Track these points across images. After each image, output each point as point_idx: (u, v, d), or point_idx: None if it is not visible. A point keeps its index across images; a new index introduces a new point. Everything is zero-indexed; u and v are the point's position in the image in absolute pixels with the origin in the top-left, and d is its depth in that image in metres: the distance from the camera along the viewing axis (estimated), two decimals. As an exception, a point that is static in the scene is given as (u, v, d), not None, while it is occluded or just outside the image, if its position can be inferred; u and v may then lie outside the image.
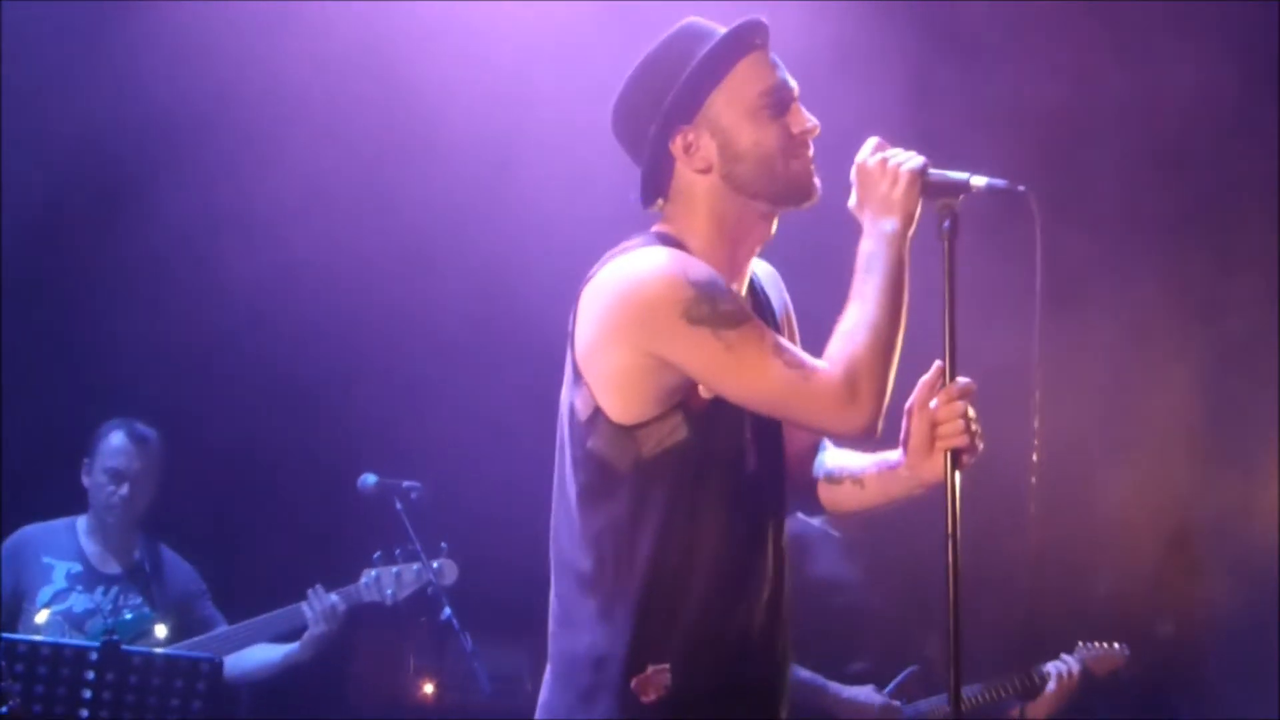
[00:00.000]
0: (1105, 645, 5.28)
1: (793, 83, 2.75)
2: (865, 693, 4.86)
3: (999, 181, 2.69)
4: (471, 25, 5.41)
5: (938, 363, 2.67)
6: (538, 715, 2.74)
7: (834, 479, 2.89)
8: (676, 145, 2.72)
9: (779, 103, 2.72)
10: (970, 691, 4.99)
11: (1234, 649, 5.74)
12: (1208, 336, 5.86)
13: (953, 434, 2.64)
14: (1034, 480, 2.72)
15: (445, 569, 5.16)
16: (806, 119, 2.74)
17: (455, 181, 5.67)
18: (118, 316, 5.82)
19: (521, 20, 5.39)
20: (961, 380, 2.66)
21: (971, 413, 2.66)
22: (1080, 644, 5.27)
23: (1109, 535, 5.92)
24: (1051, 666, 5.12)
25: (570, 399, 2.70)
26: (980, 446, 2.67)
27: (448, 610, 4.97)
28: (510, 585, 5.53)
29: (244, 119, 5.60)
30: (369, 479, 5.18)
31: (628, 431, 2.63)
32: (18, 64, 5.45)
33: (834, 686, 4.84)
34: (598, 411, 2.64)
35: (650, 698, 2.61)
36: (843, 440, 2.83)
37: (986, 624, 5.40)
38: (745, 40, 2.72)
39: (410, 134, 5.64)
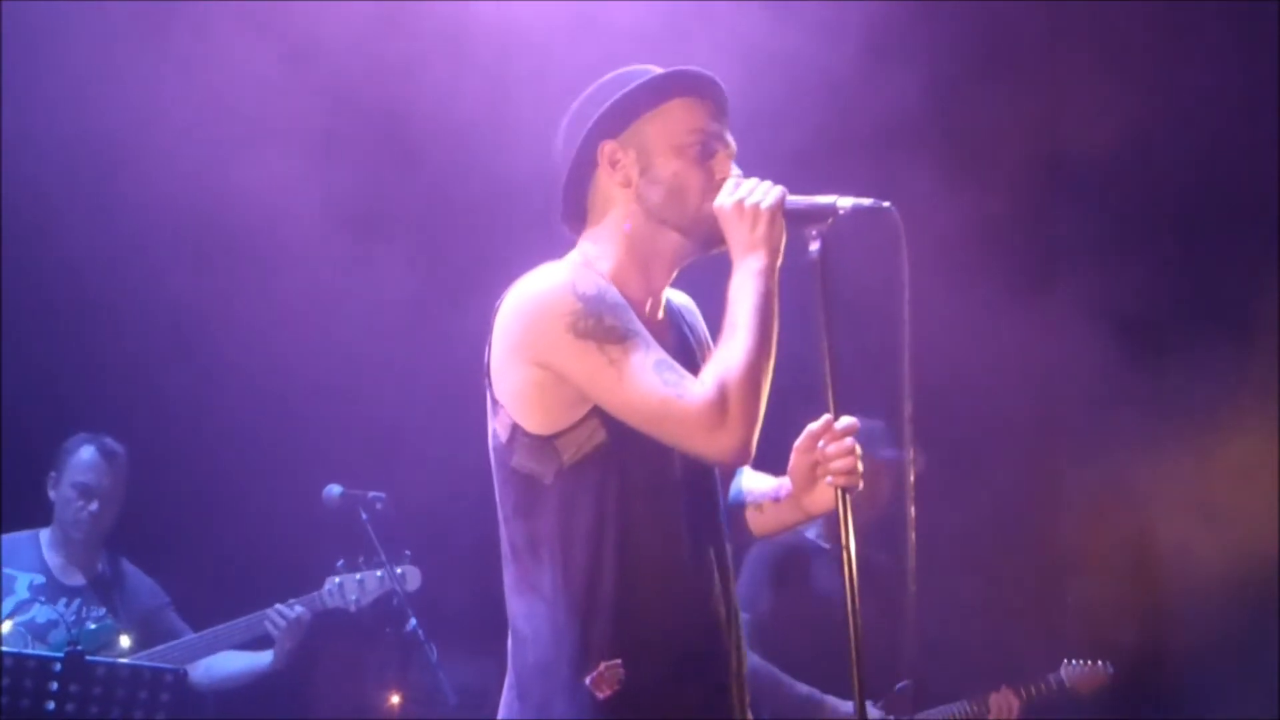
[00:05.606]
0: (1089, 663, 5.26)
1: (731, 142, 2.82)
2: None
3: (864, 201, 2.75)
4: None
5: (827, 415, 2.73)
6: None
7: (739, 505, 2.97)
8: (602, 153, 2.80)
9: (706, 146, 2.79)
10: (942, 712, 5.00)
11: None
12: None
13: (839, 471, 2.72)
14: (911, 481, 2.83)
15: (409, 575, 5.17)
16: (732, 170, 2.80)
17: (422, 188, 5.68)
18: (78, 329, 5.79)
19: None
20: (846, 420, 2.73)
21: (858, 450, 2.73)
22: (1065, 661, 5.26)
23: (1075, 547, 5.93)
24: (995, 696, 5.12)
25: (492, 424, 2.77)
26: (860, 485, 2.73)
27: (413, 621, 4.98)
28: (476, 597, 5.53)
29: (210, 132, 5.59)
30: (334, 490, 5.18)
31: (547, 442, 2.69)
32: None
33: (831, 701, 4.84)
34: (516, 428, 2.71)
35: (606, 693, 2.66)
36: (715, 464, 2.83)
37: (954, 642, 5.40)
38: (686, 82, 2.81)
39: (381, 144, 5.64)
